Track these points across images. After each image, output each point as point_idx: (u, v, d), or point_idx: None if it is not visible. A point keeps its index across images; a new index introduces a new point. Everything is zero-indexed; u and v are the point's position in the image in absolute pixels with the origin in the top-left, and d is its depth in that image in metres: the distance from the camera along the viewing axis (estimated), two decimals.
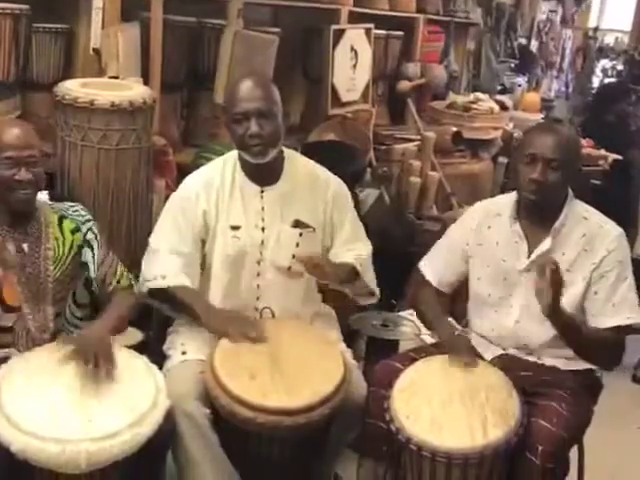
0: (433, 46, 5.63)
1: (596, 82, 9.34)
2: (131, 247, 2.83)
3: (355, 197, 3.72)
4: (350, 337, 2.83)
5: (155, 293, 2.45)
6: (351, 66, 4.49)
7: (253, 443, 2.23)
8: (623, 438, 3.38)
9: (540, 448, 2.08)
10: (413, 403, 2.18)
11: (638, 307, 2.32)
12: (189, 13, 3.66)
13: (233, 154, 2.53)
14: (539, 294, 2.10)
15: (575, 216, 2.38)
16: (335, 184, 2.60)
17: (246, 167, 2.48)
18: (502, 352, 2.44)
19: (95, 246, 2.36)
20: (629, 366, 4.03)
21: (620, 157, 5.71)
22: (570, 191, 2.40)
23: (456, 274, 2.55)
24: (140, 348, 2.34)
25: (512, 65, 7.62)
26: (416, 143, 4.85)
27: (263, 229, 2.49)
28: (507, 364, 2.36)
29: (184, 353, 2.38)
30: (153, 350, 2.52)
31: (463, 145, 5.26)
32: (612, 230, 2.37)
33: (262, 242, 2.48)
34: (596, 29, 9.75)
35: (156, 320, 2.79)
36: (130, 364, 2.17)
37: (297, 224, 2.50)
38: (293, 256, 2.48)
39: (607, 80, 9.03)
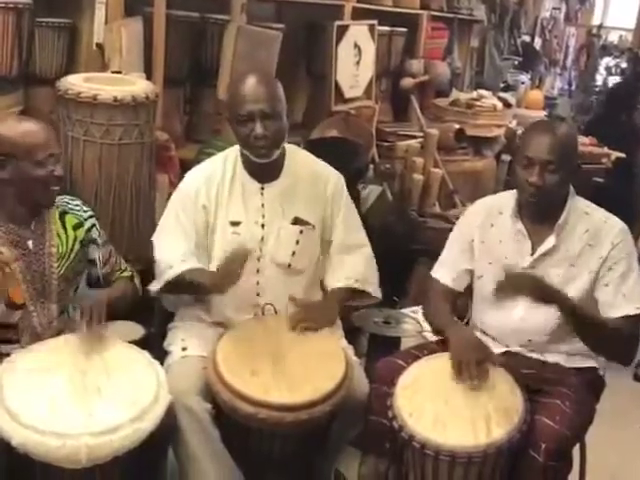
0: (437, 43, 5.62)
1: (599, 80, 9.31)
2: (134, 242, 2.82)
3: (357, 194, 3.73)
4: (352, 334, 2.82)
5: (169, 288, 2.45)
6: (354, 62, 4.48)
7: (254, 439, 2.23)
8: (625, 436, 3.38)
9: (543, 446, 2.07)
10: (416, 401, 2.17)
11: None
12: (192, 8, 3.66)
13: (234, 149, 2.52)
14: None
15: (577, 212, 2.38)
16: (335, 180, 2.59)
17: (247, 164, 2.48)
18: (505, 349, 2.43)
19: (99, 242, 2.37)
20: (631, 365, 4.01)
21: (623, 155, 5.70)
22: (572, 188, 2.39)
23: (468, 271, 2.53)
24: (142, 344, 2.34)
25: (515, 62, 7.60)
26: (419, 140, 4.84)
27: (263, 226, 2.48)
28: (510, 362, 2.35)
29: (184, 349, 2.38)
30: (155, 346, 2.51)
31: (466, 142, 5.25)
32: (616, 224, 2.37)
33: (262, 239, 2.48)
34: (600, 27, 9.71)
35: (158, 316, 2.79)
36: (132, 359, 2.17)
37: (297, 221, 2.50)
38: (293, 253, 2.49)
39: (611, 78, 9.01)
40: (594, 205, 2.43)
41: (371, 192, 4.04)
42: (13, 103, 3.06)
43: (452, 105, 5.46)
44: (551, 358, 2.39)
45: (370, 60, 4.63)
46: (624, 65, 8.78)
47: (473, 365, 2.19)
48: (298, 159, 2.56)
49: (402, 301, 3.74)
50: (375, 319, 3.08)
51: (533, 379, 2.32)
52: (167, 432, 2.11)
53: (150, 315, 2.76)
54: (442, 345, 2.43)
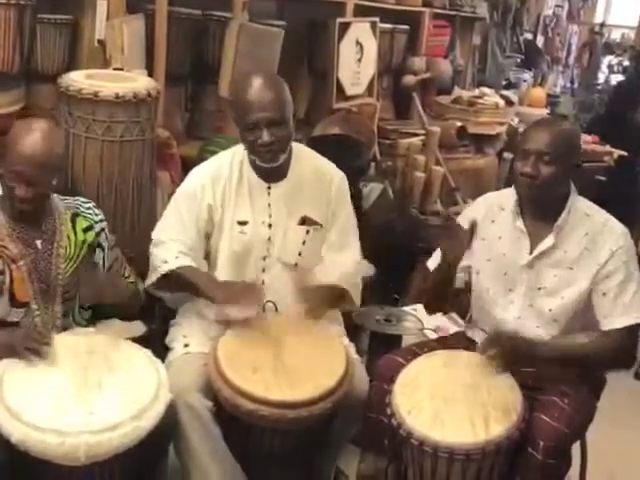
0: (439, 40, 5.62)
1: (602, 78, 9.31)
2: (135, 239, 2.82)
3: (359, 191, 3.73)
4: (353, 332, 2.82)
5: (162, 284, 2.45)
6: (356, 60, 4.48)
7: (255, 436, 2.24)
8: (625, 435, 3.37)
9: (542, 443, 2.07)
10: (415, 398, 2.18)
11: None
12: (194, 5, 3.66)
13: (241, 149, 2.51)
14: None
15: (578, 213, 2.36)
16: (338, 179, 2.59)
17: (254, 164, 2.47)
18: None
19: (106, 247, 2.37)
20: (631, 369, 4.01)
21: (625, 153, 5.70)
22: (573, 187, 2.38)
23: (465, 267, 2.53)
24: (143, 341, 2.34)
25: (518, 60, 7.60)
26: (421, 138, 4.84)
27: (270, 225, 2.48)
28: None
29: (186, 346, 2.38)
30: (156, 343, 2.51)
31: (468, 140, 5.25)
32: (615, 229, 2.35)
33: (269, 238, 2.48)
34: (602, 25, 9.71)
35: (159, 313, 2.79)
36: (132, 357, 2.18)
37: (304, 221, 2.50)
38: (300, 253, 2.50)
39: (613, 76, 9.01)
40: (596, 206, 2.42)
41: (372, 190, 4.04)
42: (15, 100, 3.06)
43: (454, 103, 5.45)
44: None
45: (372, 57, 4.62)
46: (626, 63, 8.78)
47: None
48: (304, 158, 2.55)
49: (403, 299, 3.74)
50: (376, 317, 3.09)
51: (532, 377, 2.32)
52: (168, 430, 2.11)
53: (151, 312, 2.76)
54: (442, 344, 2.43)
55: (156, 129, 2.98)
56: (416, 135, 4.87)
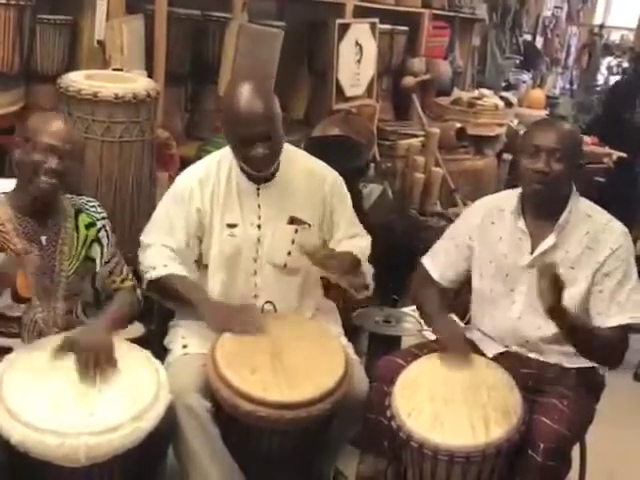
0: (438, 41, 5.62)
1: (601, 79, 9.32)
2: (133, 239, 2.81)
3: (359, 192, 3.73)
4: (352, 333, 2.82)
5: (151, 287, 2.45)
6: (356, 61, 4.48)
7: (254, 437, 2.24)
8: (625, 437, 3.37)
9: (542, 445, 2.07)
10: (415, 400, 2.17)
11: None
12: (193, 6, 3.66)
13: (229, 151, 2.49)
14: (541, 296, 2.09)
15: (579, 213, 2.37)
16: (331, 178, 2.58)
17: (243, 169, 2.46)
18: (504, 349, 2.43)
19: (105, 243, 2.37)
20: (631, 365, 4.02)
21: (625, 155, 5.70)
22: (574, 188, 2.39)
23: (458, 270, 2.54)
24: (142, 342, 2.34)
25: (517, 61, 7.60)
26: (420, 139, 4.84)
27: (259, 227, 2.48)
28: (509, 361, 2.36)
29: (185, 347, 2.38)
30: (155, 343, 2.51)
31: (467, 141, 5.25)
32: (616, 228, 2.36)
33: (258, 240, 2.48)
34: (602, 26, 9.71)
35: (158, 314, 2.79)
36: (132, 358, 2.17)
37: (292, 221, 2.50)
38: (289, 253, 2.49)
39: (612, 77, 9.01)
40: (597, 207, 2.42)
41: (372, 191, 4.04)
42: (14, 100, 3.05)
43: (453, 104, 5.46)
44: (551, 358, 2.39)
45: (371, 58, 4.62)
46: (626, 65, 8.78)
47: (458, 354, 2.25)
48: (294, 158, 2.54)
49: (402, 300, 3.74)
50: (375, 318, 3.09)
51: (532, 379, 2.32)
52: (167, 431, 2.11)
53: (150, 313, 2.76)
54: (442, 344, 2.43)
55: (156, 129, 2.98)
56: (415, 136, 4.87)
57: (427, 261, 2.60)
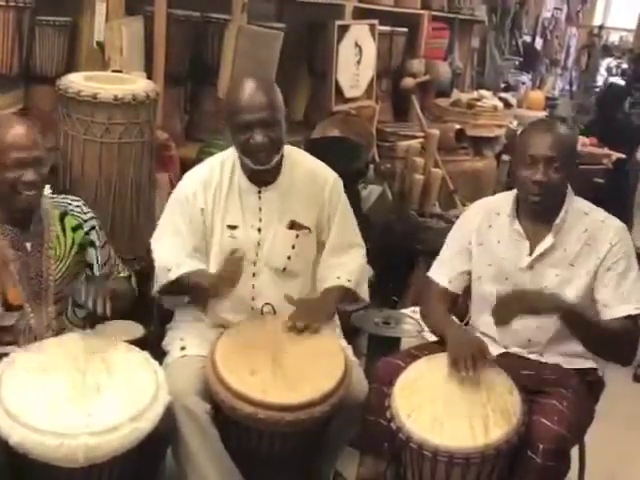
0: (437, 43, 5.63)
1: (600, 81, 9.32)
2: (133, 241, 2.82)
3: (358, 194, 3.73)
4: (352, 334, 2.82)
5: (168, 290, 2.46)
6: (355, 62, 4.49)
7: (253, 439, 2.23)
8: (624, 437, 3.37)
9: (541, 446, 2.07)
10: (414, 401, 2.17)
11: None
12: (193, 7, 3.66)
13: (232, 152, 2.51)
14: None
15: (575, 212, 2.37)
16: (332, 181, 2.58)
17: (245, 168, 2.47)
18: (504, 350, 2.43)
19: (98, 245, 2.37)
20: (631, 365, 4.01)
21: (624, 156, 5.70)
22: (570, 187, 2.39)
23: (465, 273, 2.52)
24: (141, 343, 2.34)
25: (516, 63, 7.61)
26: (419, 140, 4.84)
27: (259, 229, 2.48)
28: (509, 363, 2.35)
29: (183, 348, 2.38)
30: (154, 345, 2.51)
31: (466, 142, 5.25)
32: (614, 223, 2.37)
33: (258, 243, 2.48)
34: (601, 27, 9.72)
35: (157, 315, 2.79)
36: (131, 359, 2.17)
37: (293, 225, 2.50)
38: (289, 257, 2.49)
39: (612, 79, 9.02)
40: (593, 206, 2.43)
41: (371, 192, 4.04)
42: (13, 101, 3.06)
43: (453, 105, 5.46)
44: (550, 359, 2.39)
45: (371, 60, 4.63)
46: (625, 66, 8.79)
47: (469, 359, 2.20)
48: (296, 161, 2.54)
49: (402, 301, 3.74)
50: (375, 319, 3.08)
51: (532, 380, 2.32)
52: (166, 432, 2.10)
53: (149, 314, 2.76)
54: (442, 346, 2.43)
55: (155, 131, 2.98)
56: (415, 137, 4.86)
57: (434, 273, 2.58)
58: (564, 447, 2.13)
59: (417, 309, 3.06)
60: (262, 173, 2.44)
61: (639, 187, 4.85)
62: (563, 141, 2.29)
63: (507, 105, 5.71)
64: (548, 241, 2.35)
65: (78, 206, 2.37)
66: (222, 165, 2.50)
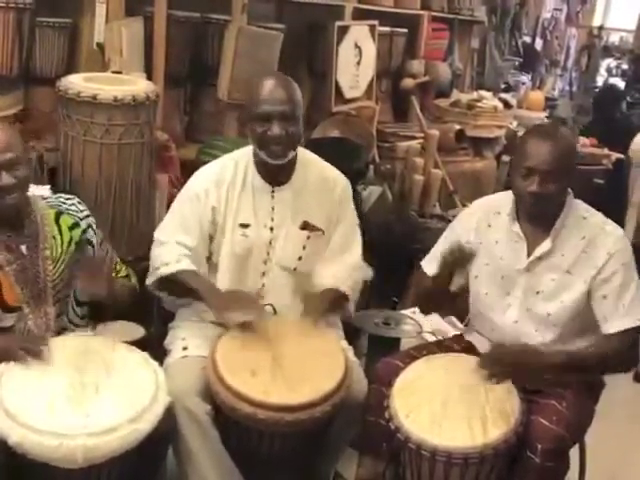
0: (437, 43, 5.62)
1: (600, 81, 9.33)
2: (133, 242, 2.83)
3: (358, 194, 3.73)
4: (352, 335, 2.82)
5: (162, 285, 2.46)
6: (355, 63, 4.49)
7: (254, 440, 2.23)
8: (625, 437, 3.37)
9: (540, 447, 2.07)
10: (413, 401, 2.18)
11: None
12: (193, 8, 3.66)
13: (246, 152, 2.52)
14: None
15: (575, 217, 2.36)
16: (342, 185, 2.60)
17: (259, 166, 2.48)
18: None
19: (95, 242, 2.36)
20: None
21: (623, 156, 5.71)
22: (570, 190, 2.38)
23: (462, 271, 2.53)
24: (141, 344, 2.34)
25: (516, 63, 7.61)
26: (419, 141, 4.84)
27: (272, 229, 2.49)
28: None
29: (185, 348, 2.38)
30: (154, 346, 2.51)
31: (466, 143, 5.26)
32: (613, 232, 2.35)
33: (270, 242, 2.49)
34: (601, 28, 9.72)
35: (157, 316, 2.79)
36: (130, 359, 2.17)
37: (305, 226, 2.50)
38: (300, 257, 2.50)
39: (612, 79, 9.04)
40: (593, 209, 2.41)
41: (371, 192, 4.04)
42: (13, 102, 3.06)
43: (453, 106, 5.46)
44: None
45: (371, 60, 4.63)
46: (625, 66, 8.80)
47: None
48: (309, 163, 2.56)
49: (402, 302, 3.74)
50: (375, 320, 3.08)
51: None
52: (166, 433, 2.11)
53: (150, 315, 2.76)
54: (441, 346, 2.43)
55: (155, 132, 2.99)
56: (415, 138, 4.87)
57: (426, 265, 2.59)
58: (563, 447, 2.13)
59: (417, 310, 3.07)
60: (276, 172, 2.46)
61: (630, 185, 4.84)
62: (561, 152, 2.24)
63: (507, 106, 5.71)
64: (546, 245, 2.34)
65: (73, 204, 2.36)
66: (236, 163, 2.51)
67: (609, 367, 2.33)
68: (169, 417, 2.08)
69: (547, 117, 6.91)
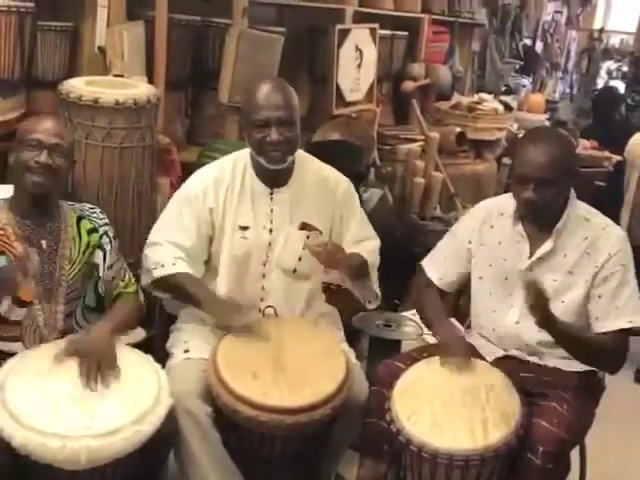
0: (438, 46, 5.64)
1: (601, 84, 9.33)
2: (135, 245, 2.83)
3: (359, 197, 3.73)
4: (353, 337, 2.83)
5: (156, 284, 2.46)
6: (356, 66, 4.50)
7: (255, 442, 2.24)
8: (625, 439, 3.37)
9: (541, 449, 2.08)
10: (414, 404, 2.18)
11: None
12: (194, 12, 3.67)
13: (244, 154, 2.53)
14: (530, 311, 2.12)
15: (577, 217, 2.36)
16: (344, 184, 2.61)
17: (258, 169, 2.48)
18: (504, 353, 2.43)
19: (108, 249, 2.37)
20: (632, 367, 4.01)
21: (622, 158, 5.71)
22: (572, 192, 2.38)
23: (458, 273, 2.54)
24: (143, 346, 2.35)
25: (517, 66, 7.62)
26: (420, 143, 4.85)
27: (271, 231, 2.49)
28: (509, 365, 2.36)
29: (187, 351, 2.38)
30: (156, 348, 2.52)
31: (467, 146, 5.26)
32: (614, 232, 2.35)
33: (269, 244, 2.49)
34: (601, 30, 9.72)
35: (159, 318, 2.80)
36: (133, 362, 2.18)
37: (304, 226, 2.51)
38: (299, 258, 2.50)
39: (612, 82, 9.04)
40: (594, 210, 2.42)
41: (372, 195, 4.05)
42: (15, 106, 3.07)
43: (453, 108, 5.47)
44: (550, 362, 2.39)
45: (371, 64, 4.64)
46: (625, 69, 8.80)
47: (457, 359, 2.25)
48: (307, 165, 2.57)
49: (403, 304, 3.74)
50: (376, 322, 3.09)
51: (532, 383, 2.33)
52: (168, 435, 2.11)
53: (152, 317, 2.77)
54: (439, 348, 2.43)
55: (156, 135, 2.99)
56: (415, 141, 4.88)
57: (426, 265, 2.61)
58: (563, 449, 2.13)
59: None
60: (274, 174, 2.46)
61: (625, 185, 4.84)
62: (555, 159, 2.22)
63: (507, 108, 5.72)
64: (548, 245, 2.35)
65: (94, 212, 2.40)
66: (234, 165, 2.52)
67: (593, 360, 2.33)
68: (171, 419, 2.09)
69: (548, 119, 6.92)
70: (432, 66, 5.47)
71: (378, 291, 2.64)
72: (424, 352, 2.47)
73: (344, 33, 4.32)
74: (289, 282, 2.53)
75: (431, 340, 2.79)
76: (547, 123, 6.72)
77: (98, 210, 2.41)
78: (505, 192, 2.59)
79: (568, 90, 9.53)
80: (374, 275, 2.62)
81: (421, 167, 4.68)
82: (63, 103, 2.73)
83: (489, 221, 2.48)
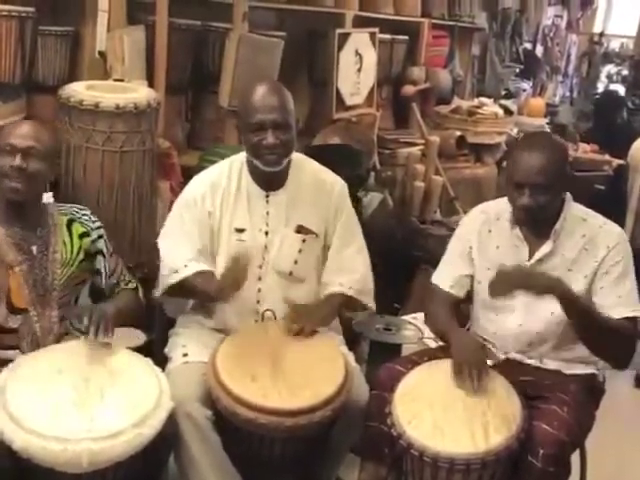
0: (438, 50, 5.64)
1: (601, 87, 9.34)
2: (135, 249, 2.83)
3: (359, 201, 3.74)
4: (353, 340, 2.83)
5: (172, 292, 2.47)
6: (356, 70, 4.50)
7: (255, 445, 2.24)
8: (626, 442, 3.37)
9: (541, 452, 2.08)
10: (415, 408, 2.18)
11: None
12: (194, 16, 3.68)
13: (240, 157, 2.53)
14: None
15: (574, 218, 2.38)
16: (339, 187, 2.61)
17: (253, 171, 2.49)
18: (504, 356, 2.43)
19: (106, 253, 2.38)
20: (632, 371, 4.01)
21: (624, 162, 5.71)
22: (568, 194, 2.40)
23: (465, 278, 2.53)
24: (143, 350, 2.35)
25: (517, 70, 7.62)
26: (420, 147, 4.86)
27: (267, 233, 2.50)
28: (509, 368, 2.36)
29: (185, 355, 2.39)
30: (156, 352, 2.52)
31: (467, 149, 5.27)
32: (612, 228, 2.38)
33: (265, 246, 2.49)
34: (601, 34, 9.73)
35: (159, 322, 2.80)
36: (133, 365, 2.18)
37: (300, 230, 2.51)
38: (295, 261, 2.50)
39: (612, 86, 9.04)
40: (591, 211, 2.43)
41: (372, 199, 4.05)
42: (16, 110, 3.07)
43: (453, 112, 5.48)
44: (551, 365, 2.40)
45: (371, 68, 4.64)
46: (625, 72, 8.81)
47: (474, 368, 2.20)
48: (304, 167, 2.57)
49: (403, 308, 3.74)
50: (376, 325, 3.09)
51: (532, 386, 2.32)
52: (168, 438, 2.11)
53: (151, 321, 2.77)
54: (443, 351, 2.43)
55: (156, 139, 2.99)
56: (415, 145, 4.88)
57: (437, 278, 2.59)
58: (564, 452, 2.13)
59: (418, 315, 3.08)
60: (270, 177, 2.46)
61: (628, 190, 4.86)
62: (549, 165, 2.25)
63: (508, 112, 5.73)
64: (547, 247, 2.36)
65: (85, 215, 2.40)
66: (230, 168, 2.53)
67: (605, 346, 2.31)
68: (171, 422, 2.09)
69: (548, 123, 6.93)
70: (432, 70, 5.48)
71: (372, 305, 2.65)
72: (425, 356, 2.47)
73: (344, 37, 4.33)
74: (285, 285, 2.53)
75: (432, 344, 2.79)
76: (547, 127, 6.73)
77: (89, 212, 2.41)
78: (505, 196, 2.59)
79: (568, 94, 9.53)
80: (367, 297, 2.62)
81: (421, 171, 4.68)
82: (63, 107, 2.73)
83: (487, 225, 2.49)
